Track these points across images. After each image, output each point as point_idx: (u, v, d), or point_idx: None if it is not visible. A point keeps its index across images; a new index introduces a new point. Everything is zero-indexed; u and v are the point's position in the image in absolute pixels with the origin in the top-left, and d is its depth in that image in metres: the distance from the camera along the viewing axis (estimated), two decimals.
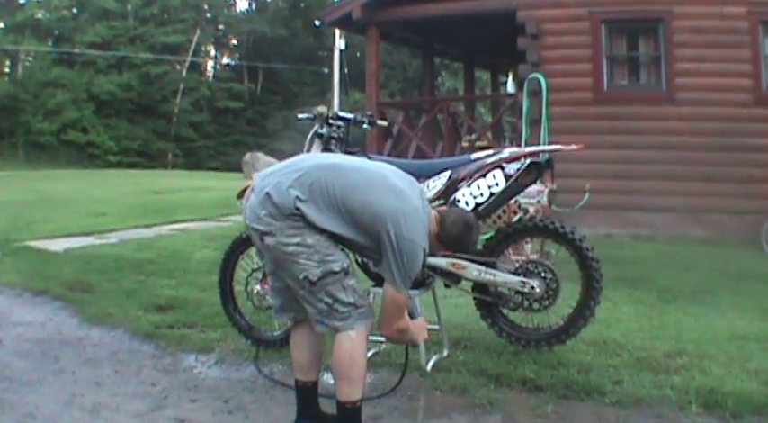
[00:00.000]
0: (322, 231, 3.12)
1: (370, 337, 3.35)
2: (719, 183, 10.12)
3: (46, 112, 37.88)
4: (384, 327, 3.31)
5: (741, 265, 8.08)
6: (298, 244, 3.10)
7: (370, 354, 4.13)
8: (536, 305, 4.38)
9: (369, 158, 4.53)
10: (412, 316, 3.52)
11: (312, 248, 3.11)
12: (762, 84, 10.23)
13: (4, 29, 40.75)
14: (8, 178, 22.11)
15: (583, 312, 4.36)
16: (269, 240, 3.14)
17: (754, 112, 10.12)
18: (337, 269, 3.15)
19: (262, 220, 3.13)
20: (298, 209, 3.08)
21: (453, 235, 3.41)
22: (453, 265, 4.26)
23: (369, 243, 3.19)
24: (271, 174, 3.26)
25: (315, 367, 3.43)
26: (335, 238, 3.18)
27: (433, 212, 3.42)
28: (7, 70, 41.21)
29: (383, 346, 4.41)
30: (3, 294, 6.17)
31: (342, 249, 3.23)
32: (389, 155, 11.53)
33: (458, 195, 4.34)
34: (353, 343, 3.16)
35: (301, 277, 3.13)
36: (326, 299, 3.15)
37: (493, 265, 4.38)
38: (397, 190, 3.20)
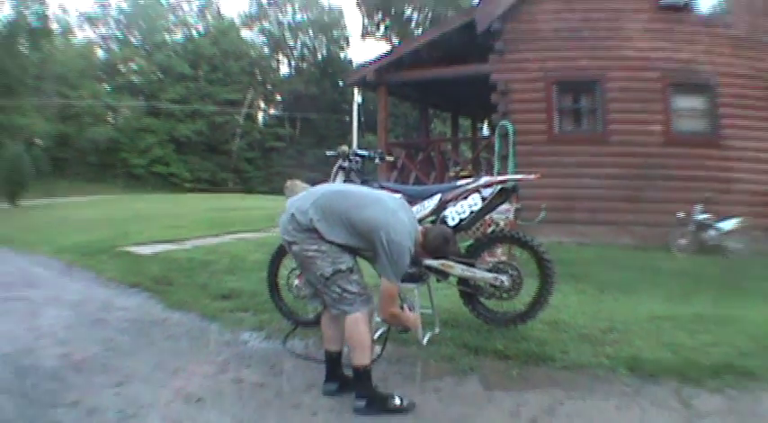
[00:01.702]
0: (332, 241, 3.20)
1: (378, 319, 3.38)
2: (641, 203, 10.10)
3: (139, 151, 38.15)
4: (381, 311, 3.35)
5: (656, 264, 8.04)
6: (316, 250, 3.20)
7: (378, 333, 4.15)
8: (505, 295, 4.40)
9: (380, 186, 4.57)
10: (411, 309, 3.54)
11: (326, 253, 3.21)
12: (671, 129, 10.25)
13: (109, 90, 41.01)
14: (111, 201, 22.23)
15: (540, 300, 4.38)
16: (295, 248, 3.25)
17: (665, 150, 10.16)
18: (344, 268, 3.24)
19: (290, 232, 3.25)
20: (313, 226, 3.17)
21: (435, 246, 3.47)
22: (443, 265, 4.28)
23: (367, 246, 3.25)
24: (297, 199, 3.35)
25: (339, 340, 3.46)
26: (343, 246, 3.24)
27: (420, 228, 3.49)
28: (111, 120, 41.35)
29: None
30: (108, 287, 6.21)
31: (348, 253, 3.29)
32: (395, 182, 11.54)
33: (446, 213, 4.36)
34: (358, 321, 3.24)
35: (318, 274, 3.23)
36: (337, 290, 3.24)
37: (473, 265, 4.39)
38: (389, 208, 3.27)
